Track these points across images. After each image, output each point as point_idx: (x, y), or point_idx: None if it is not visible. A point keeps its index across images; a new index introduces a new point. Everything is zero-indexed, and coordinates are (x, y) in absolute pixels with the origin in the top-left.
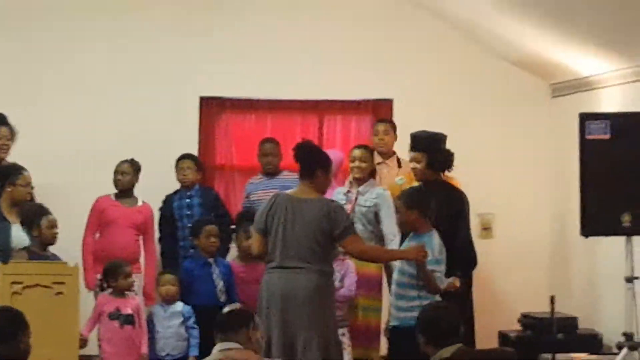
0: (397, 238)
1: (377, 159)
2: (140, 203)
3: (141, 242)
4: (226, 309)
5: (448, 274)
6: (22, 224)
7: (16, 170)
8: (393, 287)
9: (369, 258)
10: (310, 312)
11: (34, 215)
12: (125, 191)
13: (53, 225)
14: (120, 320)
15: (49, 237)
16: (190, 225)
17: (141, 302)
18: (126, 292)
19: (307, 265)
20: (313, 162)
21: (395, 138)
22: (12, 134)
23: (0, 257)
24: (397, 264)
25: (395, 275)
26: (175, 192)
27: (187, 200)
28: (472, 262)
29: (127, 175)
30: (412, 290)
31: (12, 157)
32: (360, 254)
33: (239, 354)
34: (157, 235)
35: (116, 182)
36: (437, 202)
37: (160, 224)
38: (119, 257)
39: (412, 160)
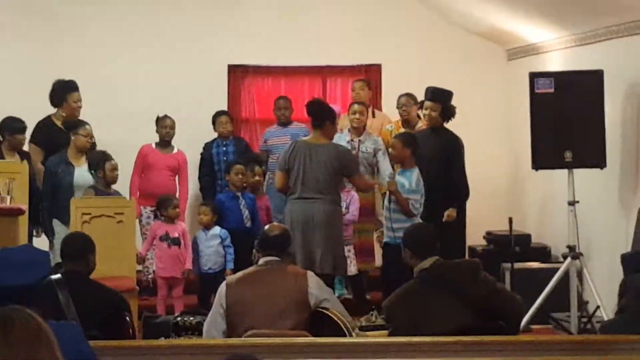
0: (392, 173)
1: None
2: (175, 150)
3: (176, 182)
4: (267, 230)
5: (446, 206)
6: (90, 167)
7: (80, 123)
8: (385, 212)
9: (367, 189)
10: (325, 232)
11: (100, 160)
12: (165, 141)
13: (114, 168)
14: (169, 241)
15: (111, 178)
16: (225, 168)
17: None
18: (174, 219)
19: (322, 196)
20: (323, 115)
21: (369, 94)
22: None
23: (66, 193)
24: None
25: (386, 203)
26: (213, 141)
27: (224, 148)
28: (466, 194)
29: (169, 128)
30: (400, 214)
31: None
32: (366, 187)
33: (278, 264)
34: (197, 174)
35: (161, 134)
36: (442, 145)
37: (200, 166)
38: (158, 194)
39: (427, 107)
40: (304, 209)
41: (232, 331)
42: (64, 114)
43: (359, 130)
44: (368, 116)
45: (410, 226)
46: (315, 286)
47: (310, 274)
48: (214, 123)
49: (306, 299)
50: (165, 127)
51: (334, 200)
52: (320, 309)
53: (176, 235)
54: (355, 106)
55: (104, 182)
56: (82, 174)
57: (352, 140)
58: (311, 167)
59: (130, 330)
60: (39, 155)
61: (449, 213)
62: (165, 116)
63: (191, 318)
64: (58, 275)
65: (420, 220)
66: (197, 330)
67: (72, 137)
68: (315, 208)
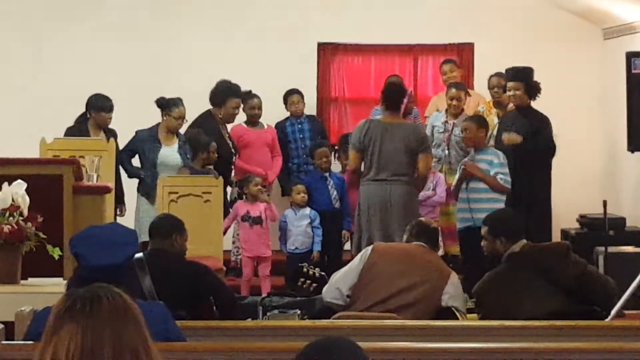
0: (471, 155)
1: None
2: (265, 127)
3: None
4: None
5: (533, 189)
6: (192, 147)
7: (174, 103)
8: (461, 195)
9: (426, 171)
10: (403, 214)
11: (205, 142)
12: (254, 122)
13: (214, 150)
14: (250, 221)
15: (213, 160)
16: (302, 146)
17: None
18: (257, 198)
19: (398, 177)
20: (399, 96)
21: (461, 73)
22: None
23: (149, 170)
24: None
25: (471, 184)
26: (286, 119)
27: (299, 126)
28: (553, 150)
29: (257, 109)
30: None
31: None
32: (424, 172)
33: (429, 251)
34: None
35: (249, 115)
36: (528, 124)
37: None
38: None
39: (510, 88)
40: (381, 191)
41: (356, 290)
42: (220, 116)
43: (456, 113)
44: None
45: (494, 213)
46: (453, 288)
47: (454, 275)
48: (285, 102)
49: (439, 295)
50: (252, 107)
51: (410, 181)
52: (451, 307)
53: (257, 214)
54: (454, 91)
55: (202, 162)
56: (168, 153)
57: (446, 121)
58: (387, 147)
59: (215, 307)
60: None
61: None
62: (252, 94)
63: (316, 269)
64: (140, 255)
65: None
66: (318, 282)
67: (164, 117)
68: (393, 190)
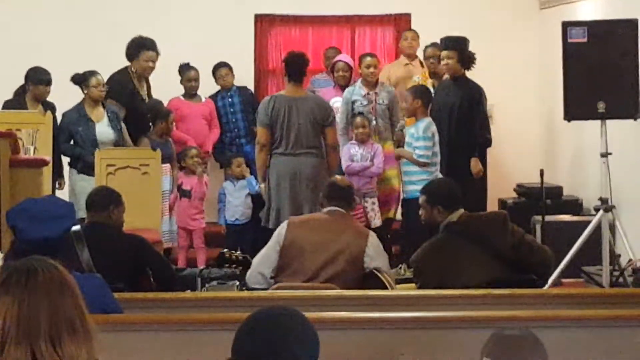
0: (402, 125)
1: (404, 60)
2: (203, 99)
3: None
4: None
5: (467, 156)
6: (151, 117)
7: (89, 74)
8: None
9: (335, 144)
10: (312, 186)
11: (159, 111)
12: (192, 94)
13: (173, 121)
14: (181, 193)
15: (170, 130)
16: (233, 120)
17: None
18: (192, 171)
19: (308, 150)
20: (303, 68)
21: (419, 44)
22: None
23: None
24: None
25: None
26: (217, 94)
27: (229, 100)
28: (488, 142)
29: (194, 81)
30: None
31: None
32: (334, 144)
33: (343, 216)
34: None
35: (186, 87)
36: (462, 94)
37: None
38: (198, 144)
39: (444, 57)
40: (290, 164)
41: (280, 271)
42: (134, 70)
43: (372, 83)
44: (417, 66)
45: (432, 182)
46: (373, 249)
47: (372, 235)
48: (214, 76)
49: (362, 258)
50: (190, 80)
51: (319, 154)
52: (374, 270)
53: (189, 187)
54: (369, 59)
55: (160, 132)
56: (102, 130)
57: (367, 93)
58: (294, 121)
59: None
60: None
61: (475, 168)
62: (189, 67)
63: (237, 252)
64: (77, 227)
65: (437, 171)
66: (242, 264)
67: (84, 91)
68: (302, 162)
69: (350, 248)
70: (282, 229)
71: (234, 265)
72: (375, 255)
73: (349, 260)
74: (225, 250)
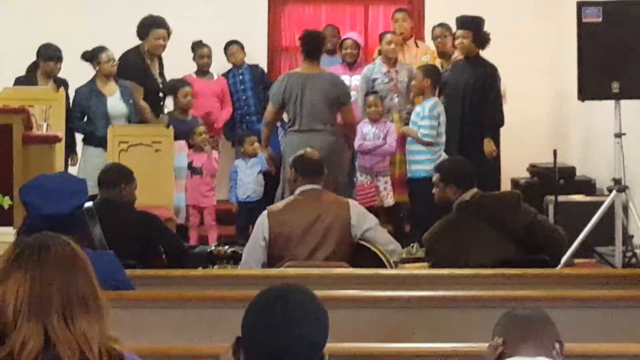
0: (410, 107)
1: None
2: (216, 77)
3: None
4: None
5: (480, 136)
6: (164, 94)
7: (99, 50)
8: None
9: (353, 122)
10: (327, 164)
11: (173, 87)
12: (204, 71)
13: (187, 94)
14: (191, 170)
15: (185, 105)
16: (244, 97)
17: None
18: (201, 148)
19: (323, 127)
20: (319, 45)
21: (412, 23)
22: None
23: (103, 125)
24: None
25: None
26: (228, 72)
27: (240, 77)
28: (501, 122)
29: (206, 58)
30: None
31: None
32: (351, 122)
33: (317, 193)
34: None
35: (199, 64)
36: (476, 73)
37: None
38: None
39: (459, 37)
40: (304, 141)
41: (273, 264)
42: (146, 48)
43: (393, 60)
44: (412, 46)
45: (447, 160)
46: (356, 217)
47: (352, 203)
48: (225, 53)
49: (349, 229)
50: (202, 56)
51: (334, 131)
52: (363, 242)
53: (199, 165)
54: (389, 36)
55: (180, 109)
56: (114, 104)
57: (388, 71)
58: (308, 98)
59: (165, 256)
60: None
61: (488, 148)
62: (202, 44)
63: (226, 247)
64: (90, 204)
65: (440, 151)
66: (232, 259)
67: (96, 67)
68: (316, 139)
69: (336, 224)
70: (263, 222)
71: (224, 261)
72: (360, 222)
73: (337, 237)
74: (213, 247)
